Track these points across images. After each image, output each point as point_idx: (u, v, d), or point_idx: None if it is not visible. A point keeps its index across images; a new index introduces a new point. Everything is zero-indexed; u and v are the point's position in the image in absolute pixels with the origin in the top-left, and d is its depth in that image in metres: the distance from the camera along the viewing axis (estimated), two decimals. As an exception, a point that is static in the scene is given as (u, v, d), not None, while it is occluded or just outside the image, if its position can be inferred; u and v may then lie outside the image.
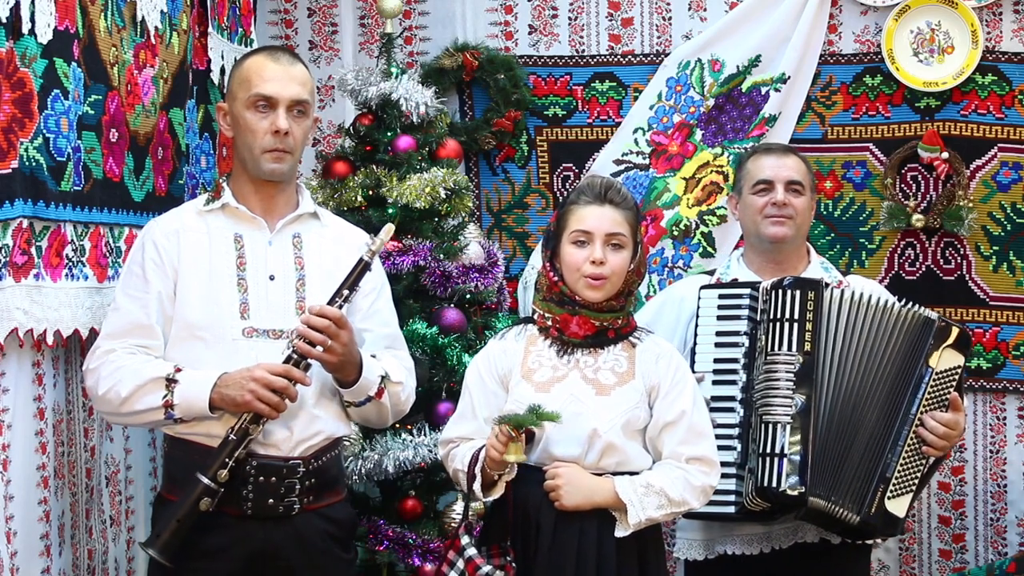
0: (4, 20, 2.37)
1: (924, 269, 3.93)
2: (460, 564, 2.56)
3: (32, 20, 2.46)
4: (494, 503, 2.65)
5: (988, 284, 3.89)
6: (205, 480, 2.48)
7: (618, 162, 4.04)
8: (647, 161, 4.02)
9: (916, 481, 2.94)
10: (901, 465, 2.91)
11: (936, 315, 3.00)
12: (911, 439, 2.92)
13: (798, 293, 2.94)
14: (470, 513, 2.69)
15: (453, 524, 3.37)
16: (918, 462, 2.94)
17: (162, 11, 3.12)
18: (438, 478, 3.48)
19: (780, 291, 2.96)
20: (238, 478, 2.53)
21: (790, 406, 2.86)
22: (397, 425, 3.13)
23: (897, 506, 2.90)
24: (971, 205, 3.84)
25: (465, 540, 2.58)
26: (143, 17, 3.01)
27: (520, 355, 2.69)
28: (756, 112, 3.92)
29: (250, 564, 2.57)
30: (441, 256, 3.49)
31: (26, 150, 2.45)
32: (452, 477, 2.73)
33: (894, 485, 2.90)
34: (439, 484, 3.50)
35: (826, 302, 2.95)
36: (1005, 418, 3.92)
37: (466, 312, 3.55)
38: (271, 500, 2.57)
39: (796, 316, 2.93)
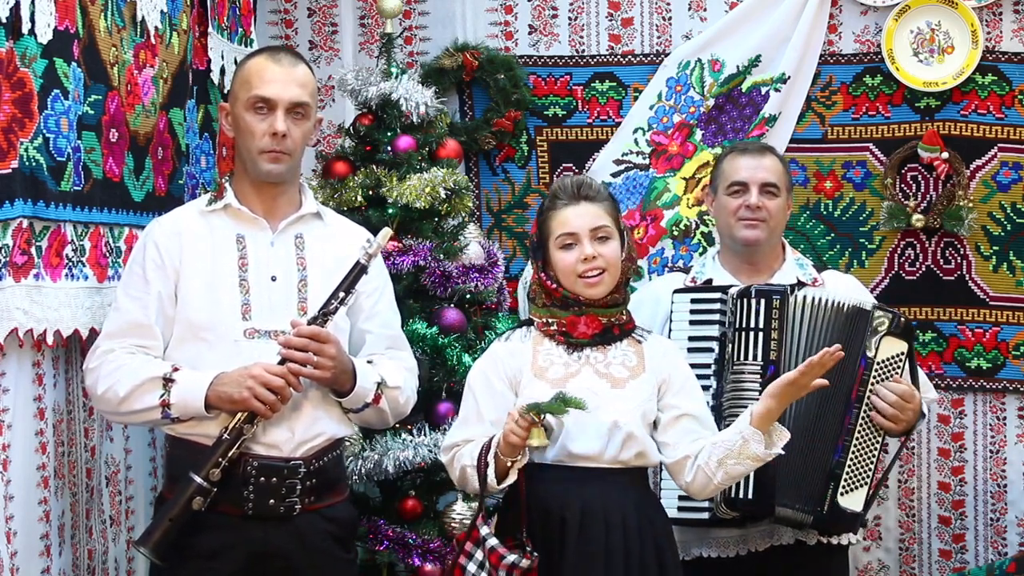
0: (4, 20, 2.37)
1: (924, 269, 3.93)
2: (479, 555, 2.54)
3: (32, 20, 2.46)
4: (506, 497, 2.65)
5: (988, 284, 3.88)
6: (198, 479, 2.48)
7: (618, 162, 4.04)
8: (647, 161, 4.02)
9: (870, 474, 2.92)
10: (851, 459, 2.90)
11: (872, 304, 2.99)
12: (859, 432, 2.92)
13: (763, 302, 2.94)
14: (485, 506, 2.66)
15: (453, 524, 3.37)
16: (870, 455, 2.93)
17: (162, 11, 3.11)
18: (438, 478, 3.47)
19: (745, 300, 2.97)
20: (238, 478, 2.54)
21: None
22: (397, 425, 3.13)
23: (851, 501, 2.90)
24: (971, 205, 3.83)
25: (485, 531, 2.55)
26: (143, 17, 3.01)
27: (529, 355, 2.69)
28: (756, 112, 3.92)
29: (250, 564, 2.57)
30: (441, 256, 3.49)
31: (26, 150, 2.45)
32: (459, 476, 2.67)
33: (845, 481, 2.90)
34: (439, 484, 3.50)
35: (790, 309, 2.95)
36: (1005, 418, 3.92)
37: (466, 312, 3.55)
38: (272, 500, 2.57)
39: (761, 325, 2.93)
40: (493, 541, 2.53)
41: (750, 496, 2.83)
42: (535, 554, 2.52)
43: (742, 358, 2.94)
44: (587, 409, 2.50)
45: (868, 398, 2.93)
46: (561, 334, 2.68)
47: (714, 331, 3.00)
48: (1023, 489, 3.89)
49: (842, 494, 2.89)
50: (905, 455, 3.98)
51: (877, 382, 2.94)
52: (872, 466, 2.94)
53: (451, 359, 3.40)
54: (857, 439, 2.92)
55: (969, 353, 3.91)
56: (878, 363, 2.93)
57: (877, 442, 2.96)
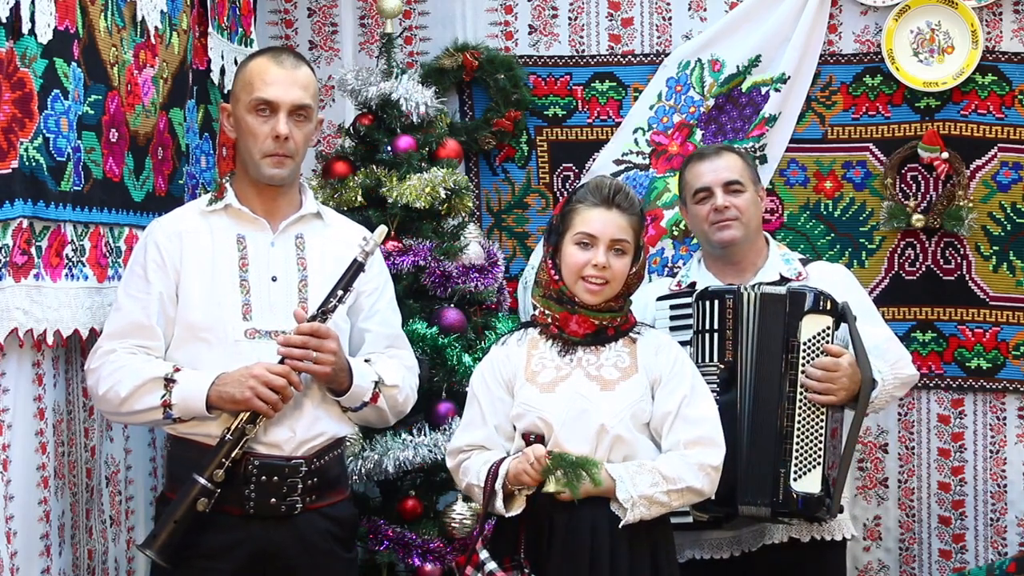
0: (4, 20, 2.37)
1: (924, 269, 3.93)
2: None
3: (32, 20, 2.46)
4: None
5: (988, 284, 3.88)
6: (201, 480, 2.48)
7: (618, 162, 4.04)
8: (647, 161, 4.02)
9: (820, 454, 2.90)
10: (797, 444, 2.90)
11: (784, 289, 2.97)
12: (799, 415, 2.91)
13: (716, 303, 2.95)
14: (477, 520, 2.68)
15: (453, 524, 3.37)
16: (815, 435, 2.91)
17: (162, 11, 3.11)
18: (438, 478, 3.47)
19: (701, 302, 2.98)
20: (239, 477, 2.54)
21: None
22: (397, 425, 3.13)
23: (806, 484, 2.89)
24: (971, 205, 3.83)
25: (484, 555, 2.57)
26: (143, 17, 3.01)
27: (523, 359, 2.70)
28: (756, 112, 3.92)
29: (252, 563, 2.57)
30: (441, 256, 3.49)
31: (26, 150, 2.45)
32: (465, 490, 2.72)
33: (796, 466, 2.89)
34: (439, 484, 3.50)
35: (744, 308, 2.95)
36: (1005, 418, 3.92)
37: (466, 312, 3.55)
38: (273, 499, 2.57)
39: (716, 326, 2.95)
40: (492, 565, 2.55)
41: (712, 497, 2.82)
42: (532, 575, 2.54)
43: (704, 360, 2.95)
44: (599, 472, 2.52)
45: (800, 379, 2.92)
46: (556, 328, 2.69)
47: (688, 336, 3.01)
48: (1023, 489, 3.89)
49: (795, 479, 2.89)
50: (905, 455, 3.99)
51: (807, 362, 2.93)
52: (820, 446, 2.91)
53: (451, 359, 3.40)
54: (799, 423, 2.91)
55: (969, 353, 3.91)
56: (804, 344, 2.92)
57: (821, 421, 2.93)
